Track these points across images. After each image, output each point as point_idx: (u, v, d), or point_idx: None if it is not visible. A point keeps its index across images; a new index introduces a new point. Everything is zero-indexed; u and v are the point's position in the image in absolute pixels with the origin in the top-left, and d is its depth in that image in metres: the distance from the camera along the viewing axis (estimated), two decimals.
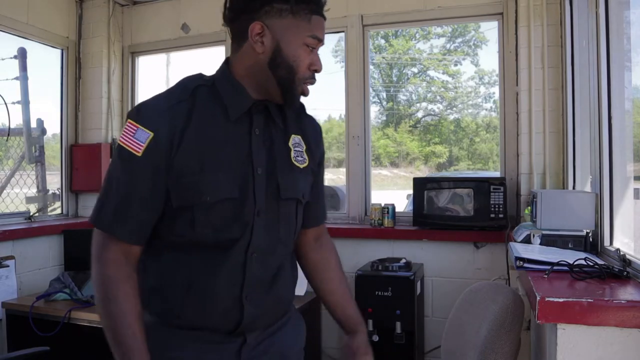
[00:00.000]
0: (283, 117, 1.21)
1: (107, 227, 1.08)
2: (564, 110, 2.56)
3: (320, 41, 1.14)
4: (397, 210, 3.00)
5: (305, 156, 1.23)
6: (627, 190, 1.84)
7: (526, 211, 2.46)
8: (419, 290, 2.63)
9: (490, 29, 3.09)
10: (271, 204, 1.15)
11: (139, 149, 1.06)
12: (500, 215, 2.62)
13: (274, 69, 1.11)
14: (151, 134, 1.06)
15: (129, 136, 1.07)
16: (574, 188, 2.45)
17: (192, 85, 1.14)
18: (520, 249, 1.72)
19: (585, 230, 1.90)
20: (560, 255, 1.58)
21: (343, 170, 3.29)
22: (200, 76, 1.18)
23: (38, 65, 3.39)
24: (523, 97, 2.67)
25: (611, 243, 1.83)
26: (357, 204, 3.14)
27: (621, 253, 1.55)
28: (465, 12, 2.98)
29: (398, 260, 2.66)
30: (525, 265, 1.56)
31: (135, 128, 1.07)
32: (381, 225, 2.97)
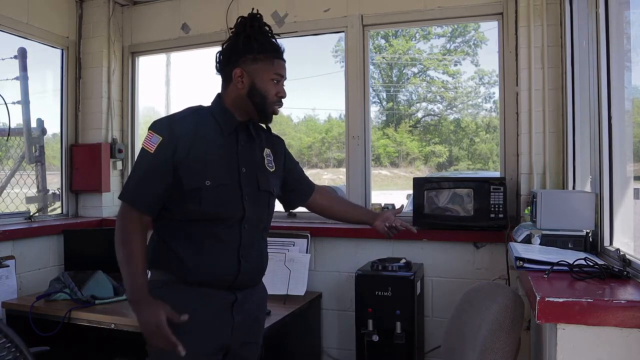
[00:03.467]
0: (259, 135, 1.75)
1: (129, 199, 1.59)
2: (564, 110, 2.56)
3: (283, 77, 1.67)
4: None
5: (274, 164, 1.78)
6: (627, 190, 1.84)
7: (526, 211, 2.46)
8: (419, 290, 2.63)
9: (490, 29, 3.09)
10: (254, 193, 1.67)
11: (152, 148, 1.57)
12: (500, 215, 2.62)
13: (251, 98, 1.64)
14: (161, 138, 1.57)
15: (147, 141, 1.59)
16: (574, 188, 2.45)
17: (194, 108, 1.69)
18: (520, 249, 1.72)
19: (585, 230, 1.90)
20: (560, 255, 1.58)
21: (343, 170, 3.29)
22: (199, 105, 1.72)
23: (38, 65, 3.39)
24: (523, 97, 2.67)
25: (611, 243, 1.83)
26: (357, 203, 3.14)
27: (621, 253, 1.55)
28: (465, 12, 2.97)
29: (398, 260, 2.66)
30: (525, 265, 1.56)
31: (152, 135, 1.59)
32: None
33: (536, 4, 2.62)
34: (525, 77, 2.66)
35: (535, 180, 2.61)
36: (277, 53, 1.66)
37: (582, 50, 2.32)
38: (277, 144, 1.85)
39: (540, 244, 1.89)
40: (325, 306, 3.05)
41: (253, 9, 1.69)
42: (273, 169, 1.77)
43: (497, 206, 2.61)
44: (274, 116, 1.73)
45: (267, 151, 1.77)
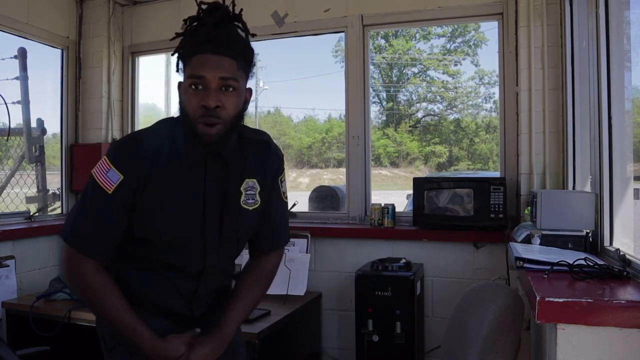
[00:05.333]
0: (242, 160, 1.34)
1: (80, 247, 1.27)
2: (564, 110, 2.56)
3: (201, 78, 1.20)
4: (397, 210, 3.00)
5: (257, 198, 1.37)
6: (627, 190, 1.84)
7: (526, 211, 2.46)
8: (419, 290, 2.63)
9: (490, 29, 3.09)
10: (219, 239, 1.34)
11: (110, 187, 1.24)
12: (500, 215, 2.62)
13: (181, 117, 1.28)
14: (121, 177, 1.24)
15: (102, 173, 1.25)
16: (574, 188, 2.45)
17: (161, 127, 1.33)
18: (520, 249, 1.72)
19: (585, 230, 1.90)
20: (560, 256, 1.58)
21: (343, 170, 3.29)
22: (170, 118, 1.37)
23: (38, 65, 3.39)
24: (523, 97, 2.67)
25: (611, 243, 1.83)
26: (357, 204, 3.14)
27: (621, 253, 1.55)
28: (465, 12, 2.97)
29: (398, 260, 2.66)
30: (525, 265, 1.56)
31: (109, 168, 1.25)
32: (381, 225, 2.97)
33: (536, 4, 2.62)
34: (525, 77, 2.66)
35: (535, 180, 2.61)
36: (197, 46, 1.22)
37: (582, 50, 2.33)
38: (271, 168, 1.40)
39: (540, 244, 1.89)
40: (325, 306, 3.05)
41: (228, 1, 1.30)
42: (255, 206, 1.37)
43: (497, 206, 2.61)
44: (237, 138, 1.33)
45: (249, 183, 1.35)
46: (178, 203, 1.28)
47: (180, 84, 1.29)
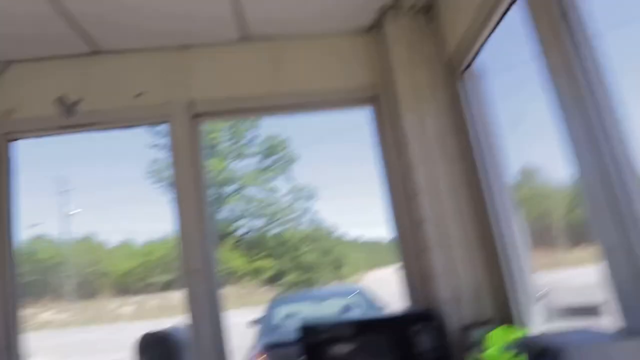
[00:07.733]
0: None
1: None
2: (481, 210, 1.99)
3: None
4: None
5: None
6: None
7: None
8: None
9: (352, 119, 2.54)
10: None
11: None
12: None
13: None
14: None
15: None
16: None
17: None
18: None
19: None
20: None
21: (174, 294, 2.18)
22: None
23: None
24: (423, 200, 2.03)
25: None
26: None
27: None
28: (336, 97, 2.32)
29: None
30: None
31: None
32: None
33: (423, 86, 2.13)
34: (421, 174, 2.06)
35: (467, 308, 1.91)
36: None
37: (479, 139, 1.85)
38: None
39: None
40: None
41: None
42: None
43: (425, 354, 1.79)
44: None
45: None
46: None
47: None
